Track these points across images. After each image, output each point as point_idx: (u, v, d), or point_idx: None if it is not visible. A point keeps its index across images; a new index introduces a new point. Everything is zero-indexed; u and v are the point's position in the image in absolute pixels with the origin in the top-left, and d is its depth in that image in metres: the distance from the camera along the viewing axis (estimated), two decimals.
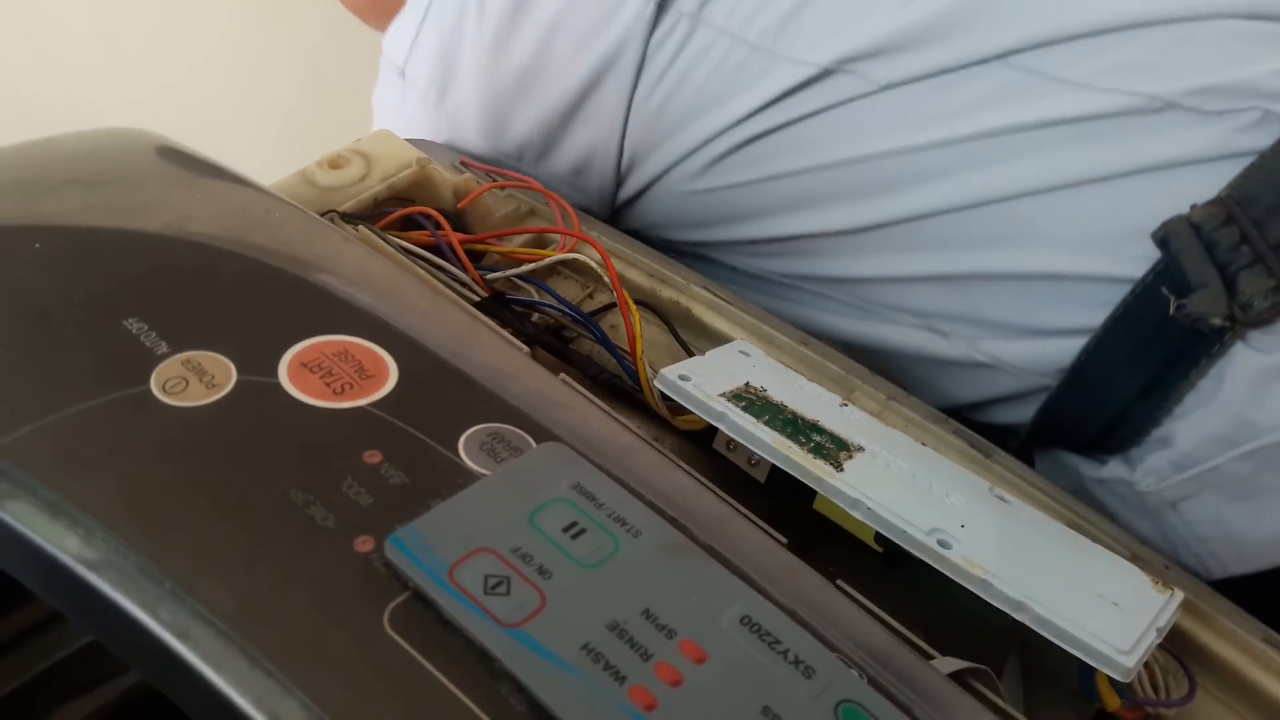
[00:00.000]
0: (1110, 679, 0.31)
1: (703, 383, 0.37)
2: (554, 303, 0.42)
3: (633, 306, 0.41)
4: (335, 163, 0.44)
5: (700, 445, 0.39)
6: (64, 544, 0.22)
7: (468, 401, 0.26)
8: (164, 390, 0.24)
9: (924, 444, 0.37)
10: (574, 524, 0.23)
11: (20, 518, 0.22)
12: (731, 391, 0.37)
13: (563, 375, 0.35)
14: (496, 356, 0.29)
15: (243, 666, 0.20)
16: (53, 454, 0.23)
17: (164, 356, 0.25)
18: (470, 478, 0.24)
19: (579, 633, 0.21)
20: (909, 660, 0.24)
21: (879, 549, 0.34)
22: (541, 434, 0.26)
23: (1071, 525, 0.35)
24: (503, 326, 0.37)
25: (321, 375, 0.25)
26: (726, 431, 0.35)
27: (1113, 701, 0.31)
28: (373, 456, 0.24)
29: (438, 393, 0.26)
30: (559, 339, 0.42)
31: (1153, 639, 0.30)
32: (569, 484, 0.24)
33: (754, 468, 0.37)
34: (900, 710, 0.21)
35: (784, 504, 0.35)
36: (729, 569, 0.23)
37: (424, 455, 0.24)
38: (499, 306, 0.42)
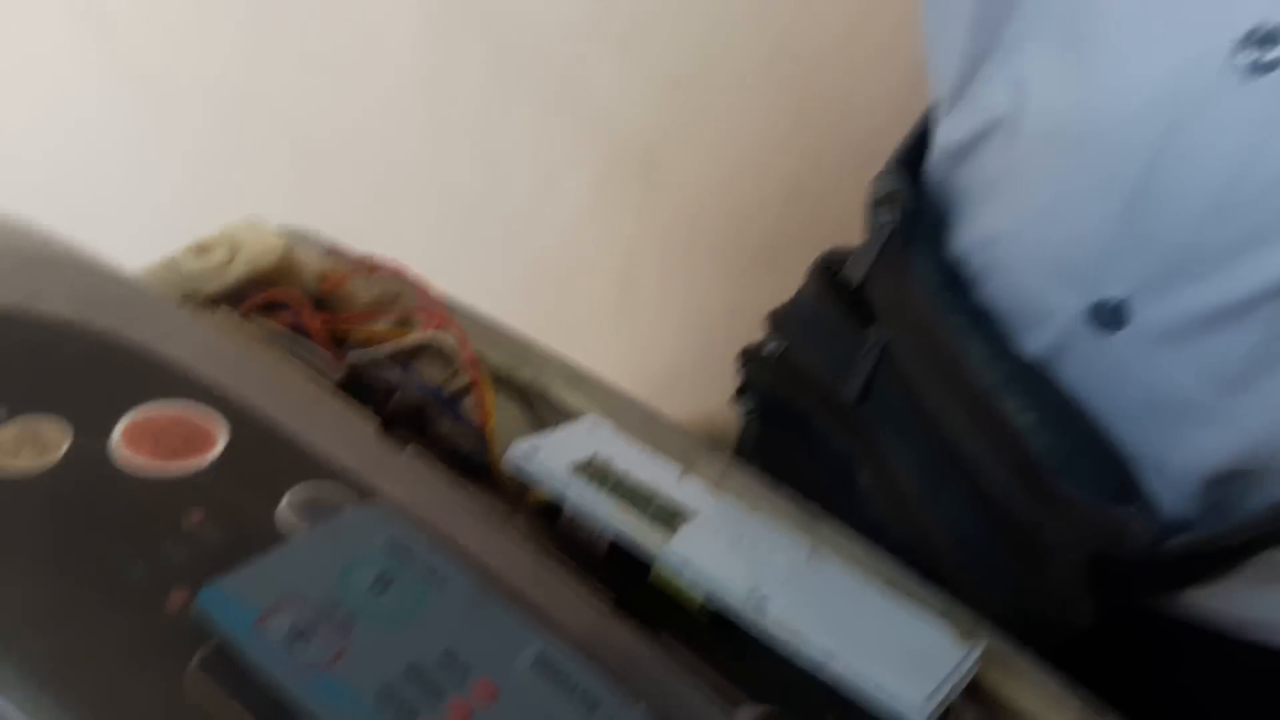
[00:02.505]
0: None
1: (550, 457, 0.39)
2: (415, 384, 0.44)
3: (487, 384, 0.43)
4: (202, 248, 0.46)
5: (550, 521, 0.41)
6: None
7: (293, 465, 0.27)
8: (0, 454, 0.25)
9: (754, 510, 0.40)
10: (384, 575, 0.24)
11: None
12: (578, 464, 0.39)
13: (411, 447, 0.36)
14: (329, 424, 0.31)
15: (54, 717, 0.21)
16: None
17: (1, 420, 0.26)
18: (288, 536, 0.25)
19: (377, 676, 0.22)
20: (703, 704, 0.26)
21: (704, 618, 0.36)
22: (364, 494, 0.27)
23: (888, 584, 0.38)
24: (361, 405, 0.39)
25: (153, 440, 0.27)
26: (567, 502, 0.37)
27: None
28: (195, 517, 0.25)
29: (264, 457, 0.28)
30: (420, 419, 0.44)
31: (949, 687, 0.33)
32: (383, 539, 0.25)
33: (596, 540, 0.39)
34: None
35: (623, 580, 0.37)
36: (534, 617, 0.25)
37: (244, 515, 0.25)
38: (357, 386, 0.43)
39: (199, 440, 0.27)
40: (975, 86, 0.45)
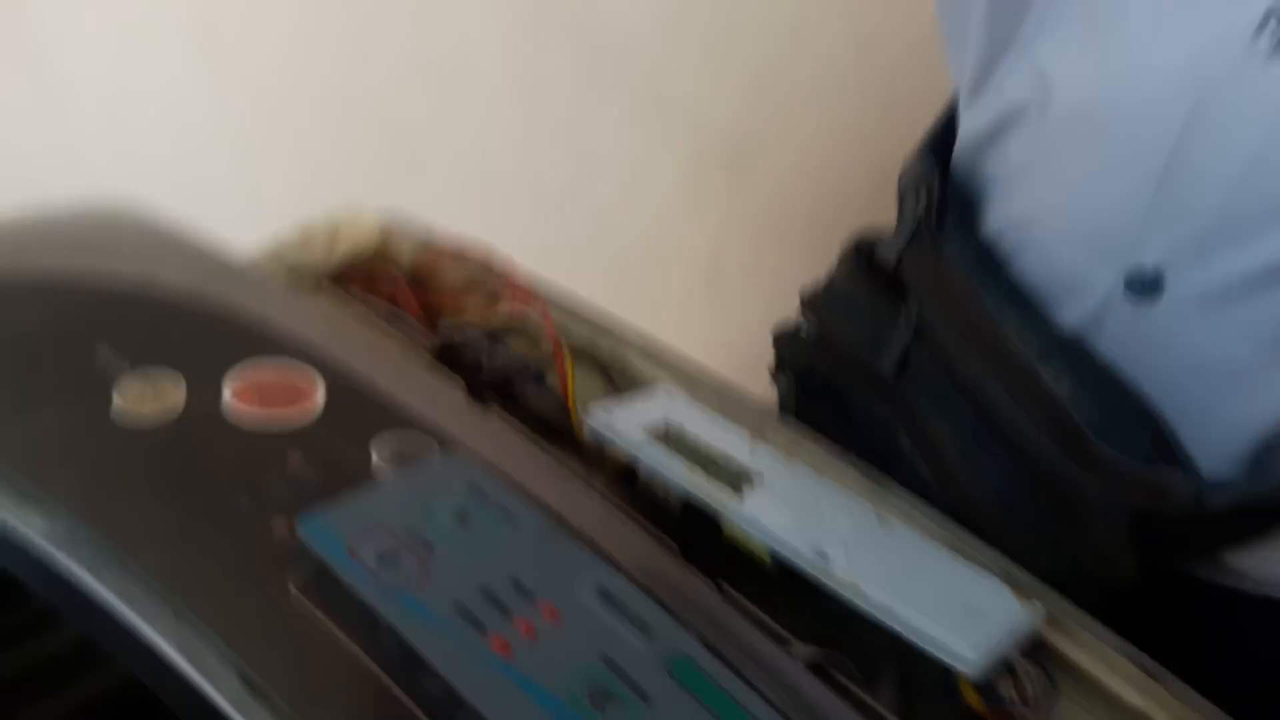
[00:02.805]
0: (973, 682, 0.34)
1: (626, 421, 0.41)
2: (501, 353, 0.47)
3: (567, 354, 0.46)
4: (306, 232, 0.49)
5: (627, 481, 0.43)
6: (30, 522, 0.26)
7: (384, 417, 0.30)
8: (124, 402, 0.29)
9: (823, 476, 0.41)
10: (463, 512, 0.27)
11: None
12: (652, 429, 0.41)
13: (495, 410, 0.39)
14: (419, 385, 0.33)
15: (170, 621, 0.24)
16: (26, 450, 0.27)
17: (126, 374, 0.30)
18: (378, 477, 0.28)
19: (452, 593, 0.25)
20: (757, 639, 0.28)
21: (774, 568, 0.37)
22: (449, 446, 0.30)
23: (952, 548, 0.39)
24: (452, 374, 0.41)
25: (258, 392, 0.30)
26: (642, 462, 0.39)
27: (974, 702, 0.34)
28: (295, 459, 0.28)
29: (359, 410, 0.30)
30: (507, 387, 0.47)
31: (1005, 642, 0.34)
32: (464, 483, 0.28)
33: (670, 498, 0.41)
34: (729, 668, 0.25)
35: (696, 537, 0.39)
36: (598, 554, 0.27)
37: (340, 459, 0.28)
38: (449, 357, 0.46)
39: (299, 393, 0.30)
40: (996, 77, 0.46)
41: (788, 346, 0.57)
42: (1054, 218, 0.44)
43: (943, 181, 0.49)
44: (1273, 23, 0.35)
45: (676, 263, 1.06)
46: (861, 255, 0.54)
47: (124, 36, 0.82)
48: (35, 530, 0.25)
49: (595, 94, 0.92)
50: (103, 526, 0.25)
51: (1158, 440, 0.42)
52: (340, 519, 0.26)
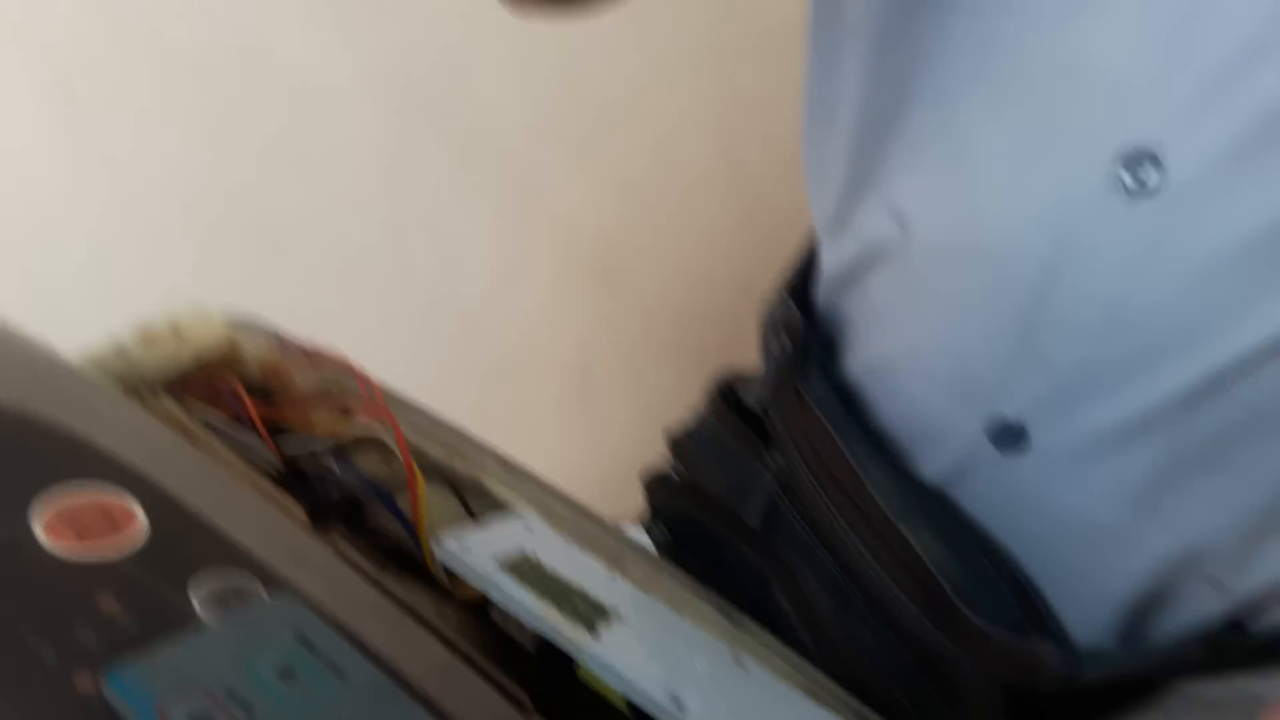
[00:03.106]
0: None
1: (480, 551, 0.39)
2: (350, 476, 0.44)
3: (420, 478, 0.44)
4: (148, 334, 0.46)
5: (480, 615, 0.41)
6: None
7: (209, 553, 0.28)
8: None
9: (680, 613, 0.40)
10: (288, 667, 0.25)
11: None
12: (505, 559, 0.39)
13: (338, 540, 0.37)
14: (252, 514, 0.31)
15: None
16: None
17: None
18: (199, 624, 0.26)
19: None
20: None
21: (628, 715, 0.36)
22: (279, 586, 0.28)
23: (807, 691, 0.38)
24: (298, 497, 0.39)
25: (72, 524, 0.27)
26: (494, 598, 0.38)
27: None
28: (107, 602, 0.25)
29: (181, 544, 0.28)
30: (354, 511, 0.44)
31: None
32: (291, 632, 0.26)
33: (524, 635, 0.39)
34: None
35: (550, 676, 0.37)
36: (432, 712, 0.25)
37: (157, 601, 0.26)
38: (294, 477, 0.44)
39: (116, 524, 0.28)
40: (857, 215, 0.46)
41: (659, 493, 0.56)
42: (915, 361, 0.44)
43: (805, 323, 0.48)
44: (1128, 164, 0.35)
45: (547, 367, 1.05)
46: (726, 397, 0.53)
47: None
48: None
49: (466, 190, 0.92)
50: None
51: (1028, 606, 0.41)
52: (151, 673, 0.24)
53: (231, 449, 0.42)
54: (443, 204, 0.92)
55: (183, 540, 0.29)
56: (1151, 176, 0.35)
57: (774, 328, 0.50)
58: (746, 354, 0.58)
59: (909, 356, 0.44)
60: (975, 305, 0.41)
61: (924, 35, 0.40)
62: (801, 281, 0.52)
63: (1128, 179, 0.35)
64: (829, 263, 0.49)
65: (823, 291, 0.50)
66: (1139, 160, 0.35)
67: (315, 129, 0.87)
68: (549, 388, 1.06)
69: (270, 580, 0.28)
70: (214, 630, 0.26)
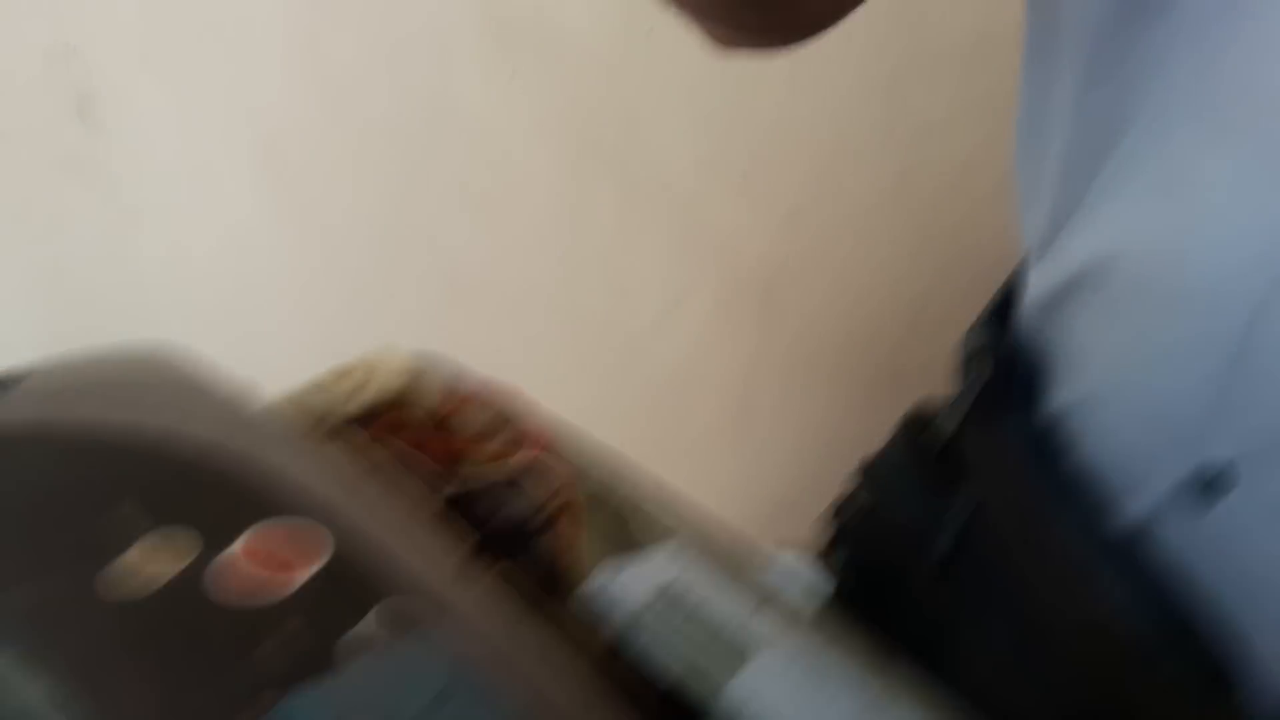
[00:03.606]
0: None
1: (628, 586, 0.41)
2: (514, 506, 0.47)
3: (580, 507, 0.46)
4: (341, 373, 0.51)
5: (626, 648, 0.43)
6: (26, 697, 0.27)
7: (380, 584, 0.31)
8: (135, 562, 0.30)
9: (827, 653, 0.41)
10: (442, 695, 0.27)
11: None
12: (654, 594, 0.41)
13: (499, 569, 0.39)
14: (421, 545, 0.34)
15: None
16: (29, 614, 0.28)
17: (145, 532, 0.31)
18: (365, 649, 0.29)
19: None
20: None
21: None
22: (440, 615, 0.30)
23: None
24: (467, 525, 0.42)
25: (265, 552, 0.31)
26: (640, 632, 0.39)
27: None
28: (290, 626, 0.29)
29: (357, 576, 0.31)
30: (517, 539, 0.47)
31: None
32: (444, 662, 0.28)
33: (665, 672, 0.41)
34: None
35: (693, 713, 0.38)
36: None
37: (329, 627, 0.29)
38: (465, 506, 0.47)
39: (304, 554, 0.31)
40: (1063, 237, 0.44)
41: (846, 515, 0.55)
42: (1117, 400, 0.41)
43: (1006, 352, 0.47)
44: None
45: (710, 396, 1.07)
46: (919, 426, 0.52)
47: (196, 164, 0.87)
48: (34, 701, 0.26)
49: (634, 225, 0.95)
50: (91, 704, 0.26)
51: (1222, 663, 0.39)
52: (318, 703, 0.26)
53: (409, 480, 0.46)
54: (611, 240, 0.96)
55: (358, 573, 0.32)
56: None
57: (971, 356, 0.48)
58: (916, 383, 0.58)
59: (1111, 394, 0.42)
60: (1183, 344, 0.38)
61: (1144, 56, 0.38)
62: (1004, 310, 0.50)
63: None
64: (1034, 288, 0.47)
65: (1025, 320, 0.48)
66: None
67: (496, 172, 0.92)
68: (711, 415, 1.07)
69: (433, 609, 0.31)
70: (377, 663, 0.28)
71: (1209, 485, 0.38)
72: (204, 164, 0.86)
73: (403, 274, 0.94)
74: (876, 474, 0.54)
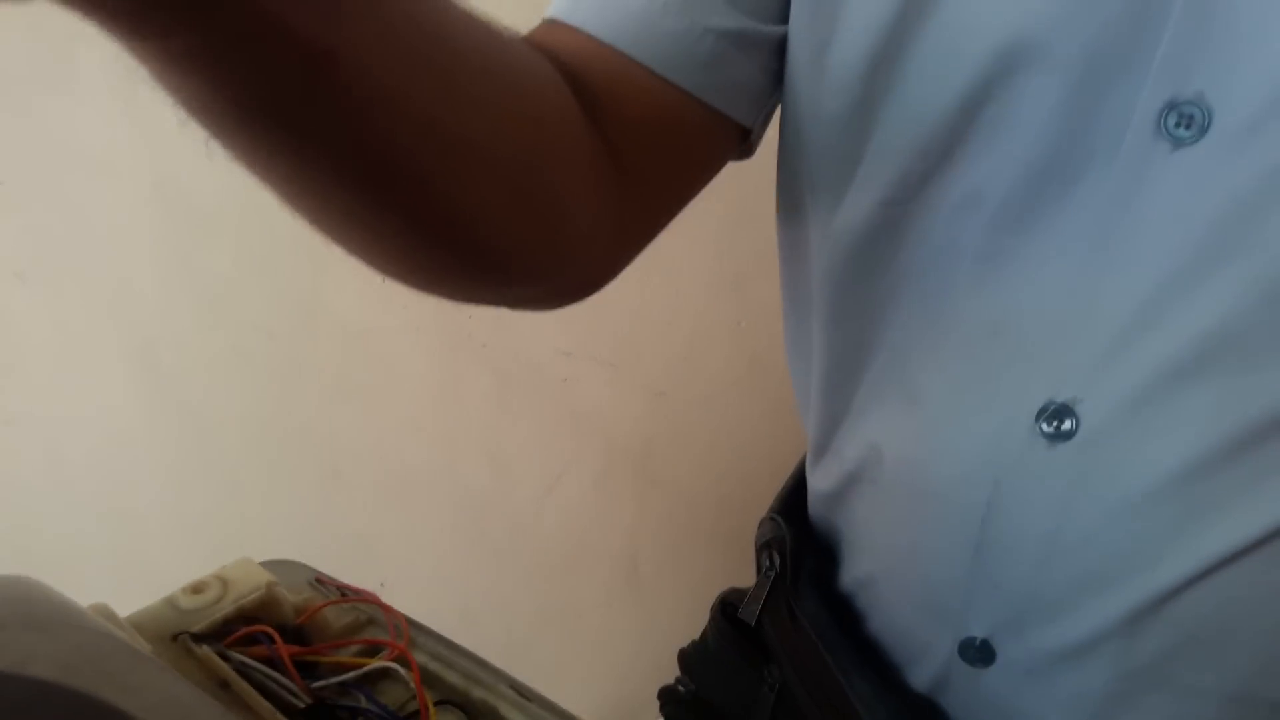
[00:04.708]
0: None
1: None
2: (375, 708, 0.49)
3: (432, 709, 0.48)
4: (197, 588, 0.53)
5: None
6: None
7: None
8: None
9: None
10: None
11: None
12: None
13: None
14: None
15: None
16: None
17: None
18: None
19: None
20: None
21: None
22: None
23: None
24: None
25: None
26: None
27: None
28: None
29: None
30: None
31: None
32: None
33: None
34: None
35: None
36: None
37: None
38: (321, 712, 0.48)
39: None
40: (836, 442, 0.49)
41: (668, 708, 0.58)
42: (892, 580, 0.46)
43: (796, 539, 0.51)
44: (1048, 415, 0.38)
45: (596, 564, 1.09)
46: (727, 614, 0.56)
47: (72, 371, 0.88)
48: None
49: (511, 410, 0.99)
50: None
51: None
52: None
53: (262, 691, 0.47)
54: (490, 424, 0.99)
55: None
56: (1067, 424, 0.38)
57: (766, 546, 0.53)
58: None
59: (887, 575, 0.47)
60: (936, 533, 0.43)
61: (874, 300, 0.44)
62: (792, 501, 0.55)
63: (1046, 428, 0.38)
64: (817, 483, 0.52)
65: (814, 508, 0.53)
66: (1057, 412, 0.38)
67: (372, 369, 0.96)
68: (599, 581, 1.09)
69: None
70: None
71: (974, 656, 0.43)
72: (81, 371, 0.87)
73: (282, 465, 0.96)
74: (693, 663, 0.56)
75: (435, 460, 1.00)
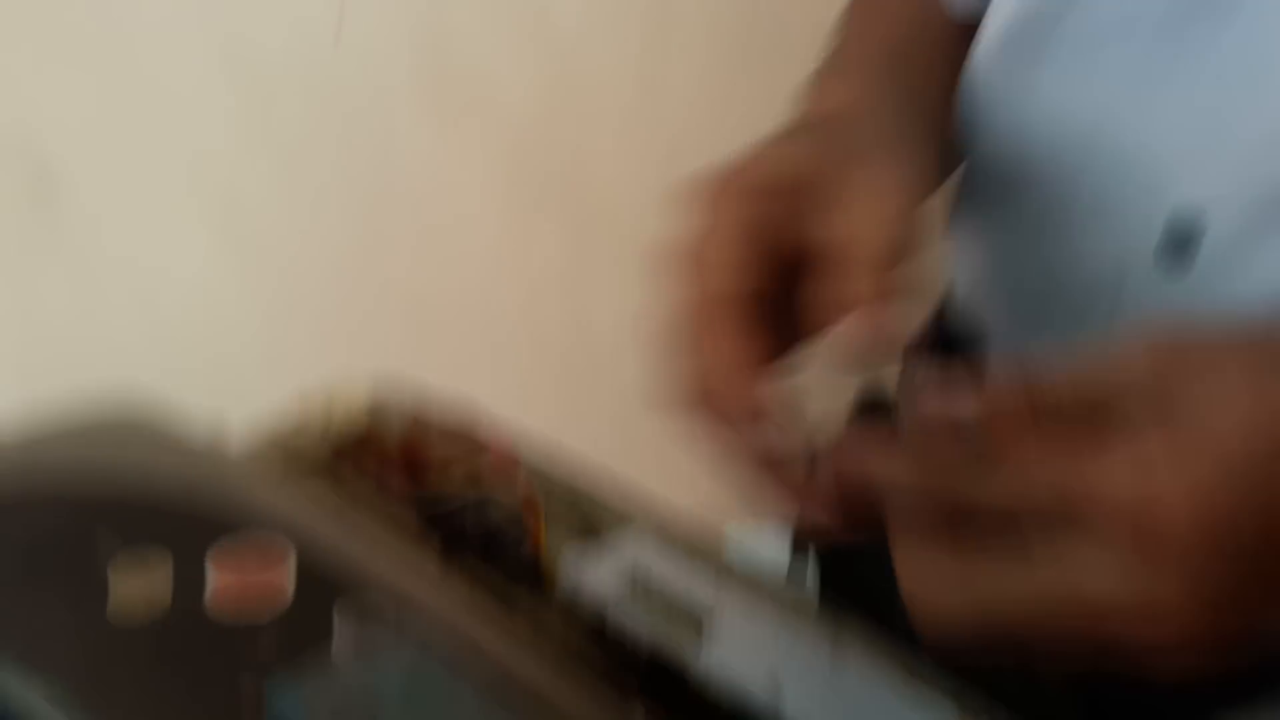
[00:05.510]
0: None
1: (596, 572, 0.44)
2: (479, 512, 0.50)
3: (541, 511, 0.49)
4: (305, 406, 0.54)
5: (598, 633, 0.45)
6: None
7: (352, 590, 0.33)
8: (118, 593, 0.32)
9: (783, 617, 0.43)
10: (413, 685, 0.30)
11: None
12: (620, 577, 0.44)
13: (469, 574, 0.42)
14: (393, 559, 0.36)
15: None
16: (29, 645, 0.31)
17: (119, 567, 0.33)
18: (343, 649, 0.31)
19: None
20: None
21: (735, 713, 0.39)
22: (411, 611, 0.33)
23: (908, 676, 0.41)
24: (433, 534, 0.44)
25: (238, 569, 0.33)
26: (608, 614, 0.42)
27: None
28: (269, 633, 0.31)
29: (329, 585, 0.34)
30: (488, 542, 0.50)
31: None
32: (417, 651, 0.31)
33: (637, 645, 0.43)
34: None
35: (663, 685, 0.41)
36: None
37: (310, 630, 0.31)
38: (429, 516, 0.49)
39: (273, 571, 0.34)
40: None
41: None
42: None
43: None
44: (1170, 237, 0.38)
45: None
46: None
47: (157, 219, 0.89)
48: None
49: (586, 254, 0.98)
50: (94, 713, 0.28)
51: None
52: (302, 694, 0.29)
53: (380, 502, 0.48)
54: (566, 267, 0.99)
55: (330, 583, 0.34)
56: (1189, 247, 0.38)
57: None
58: None
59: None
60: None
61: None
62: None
63: (1166, 253, 0.38)
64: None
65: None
66: (1180, 231, 0.38)
67: (444, 214, 0.95)
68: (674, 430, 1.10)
69: (407, 611, 0.33)
70: (353, 657, 0.31)
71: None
72: (163, 222, 0.88)
73: (361, 310, 0.97)
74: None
75: (517, 306, 1.00)
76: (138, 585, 0.33)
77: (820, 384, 0.58)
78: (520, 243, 0.99)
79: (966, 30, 0.47)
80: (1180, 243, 0.38)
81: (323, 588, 0.34)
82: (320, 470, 0.49)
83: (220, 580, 0.33)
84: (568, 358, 1.05)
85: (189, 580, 0.33)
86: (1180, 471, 0.24)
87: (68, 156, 0.81)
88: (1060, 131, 0.42)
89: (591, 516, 0.51)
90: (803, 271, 0.34)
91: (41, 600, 0.32)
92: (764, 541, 0.57)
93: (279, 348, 0.98)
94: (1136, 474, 0.24)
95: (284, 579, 0.34)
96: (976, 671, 0.45)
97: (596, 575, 0.43)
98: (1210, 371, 0.25)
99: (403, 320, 1.00)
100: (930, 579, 0.27)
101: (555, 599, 0.46)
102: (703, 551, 0.48)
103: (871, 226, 0.32)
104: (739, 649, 0.40)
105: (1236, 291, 0.37)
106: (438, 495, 0.51)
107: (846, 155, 0.35)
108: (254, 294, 0.94)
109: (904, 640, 0.43)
